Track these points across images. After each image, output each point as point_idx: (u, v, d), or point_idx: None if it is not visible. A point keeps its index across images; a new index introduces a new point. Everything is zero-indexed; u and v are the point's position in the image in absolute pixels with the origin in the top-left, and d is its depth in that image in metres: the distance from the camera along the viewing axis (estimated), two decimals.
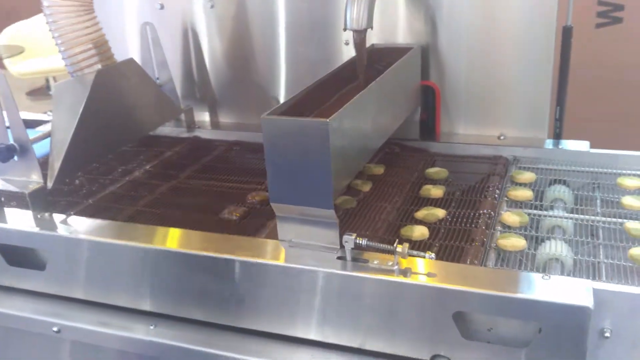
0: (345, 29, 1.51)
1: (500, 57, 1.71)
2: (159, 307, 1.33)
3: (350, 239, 1.14)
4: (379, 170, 1.65)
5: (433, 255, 1.12)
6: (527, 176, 1.54)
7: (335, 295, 1.15)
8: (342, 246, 1.16)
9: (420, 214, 1.42)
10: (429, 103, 1.81)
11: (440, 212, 1.41)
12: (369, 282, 1.12)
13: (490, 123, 1.77)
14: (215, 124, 2.11)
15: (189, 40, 2.05)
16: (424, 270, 1.11)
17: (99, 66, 1.65)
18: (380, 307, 1.13)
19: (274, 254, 1.21)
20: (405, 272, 1.11)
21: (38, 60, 5.82)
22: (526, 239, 1.28)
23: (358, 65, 1.56)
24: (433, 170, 1.62)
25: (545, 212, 1.39)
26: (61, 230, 1.38)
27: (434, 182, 1.58)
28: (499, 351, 1.08)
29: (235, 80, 2.06)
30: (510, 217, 1.36)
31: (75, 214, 1.49)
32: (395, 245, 1.12)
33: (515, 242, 1.27)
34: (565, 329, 1.01)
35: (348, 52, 1.82)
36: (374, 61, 1.71)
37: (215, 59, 2.05)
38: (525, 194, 1.46)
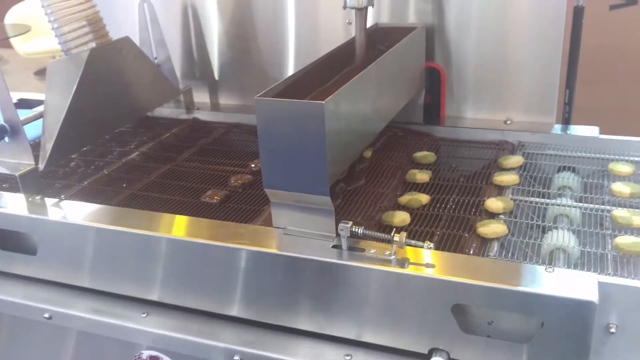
0: (345, 7, 1.45)
1: (507, 38, 1.64)
2: (152, 295, 1.29)
3: (346, 227, 1.09)
4: (367, 154, 1.59)
5: (432, 245, 1.08)
6: (514, 160, 1.49)
7: (331, 285, 1.11)
8: (338, 234, 1.12)
9: (404, 199, 1.37)
10: (434, 85, 1.75)
11: (423, 198, 1.37)
12: (365, 272, 1.07)
13: (497, 107, 1.71)
14: (215, 106, 2.07)
15: (189, 18, 2.00)
16: (422, 260, 1.07)
17: (93, 44, 1.61)
18: (376, 298, 1.09)
19: (268, 242, 1.17)
20: (402, 263, 1.06)
21: (45, 39, 5.80)
22: (530, 228, 1.23)
23: (357, 45, 1.51)
24: (420, 154, 1.58)
25: (550, 200, 1.34)
26: (52, 214, 1.35)
27: (421, 166, 1.54)
28: (499, 346, 1.04)
29: (236, 61, 2.01)
30: (494, 203, 1.32)
31: (67, 198, 1.45)
32: (392, 234, 1.07)
33: (495, 229, 1.22)
34: (569, 324, 0.97)
35: (352, 32, 1.76)
36: (377, 41, 1.65)
37: (215, 38, 1.99)
38: (510, 178, 1.41)
